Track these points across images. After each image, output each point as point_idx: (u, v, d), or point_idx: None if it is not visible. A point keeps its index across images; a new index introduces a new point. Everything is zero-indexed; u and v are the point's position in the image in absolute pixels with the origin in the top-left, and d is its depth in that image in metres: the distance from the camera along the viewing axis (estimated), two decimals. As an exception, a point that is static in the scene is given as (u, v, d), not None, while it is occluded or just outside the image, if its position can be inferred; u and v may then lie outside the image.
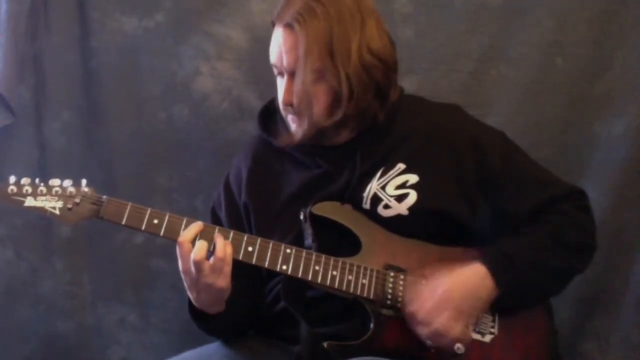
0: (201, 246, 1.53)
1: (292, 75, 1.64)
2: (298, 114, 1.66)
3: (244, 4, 2.18)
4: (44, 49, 2.19)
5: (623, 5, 2.10)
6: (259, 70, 2.16)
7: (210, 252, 1.55)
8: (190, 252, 1.53)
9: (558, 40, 2.13)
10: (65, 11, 2.18)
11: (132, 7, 2.19)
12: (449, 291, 1.58)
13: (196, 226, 1.56)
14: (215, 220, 1.81)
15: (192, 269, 1.54)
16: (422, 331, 1.58)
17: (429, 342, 1.59)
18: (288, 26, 1.62)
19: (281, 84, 1.68)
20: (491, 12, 2.14)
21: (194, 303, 1.64)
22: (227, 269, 1.56)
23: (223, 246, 1.55)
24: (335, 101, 1.63)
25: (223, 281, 1.56)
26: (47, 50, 2.19)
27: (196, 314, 1.67)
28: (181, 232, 1.56)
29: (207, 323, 1.68)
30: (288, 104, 1.66)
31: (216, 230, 1.58)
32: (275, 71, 1.69)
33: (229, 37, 2.19)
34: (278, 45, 1.64)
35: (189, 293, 1.62)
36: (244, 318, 1.78)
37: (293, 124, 1.69)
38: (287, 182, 1.75)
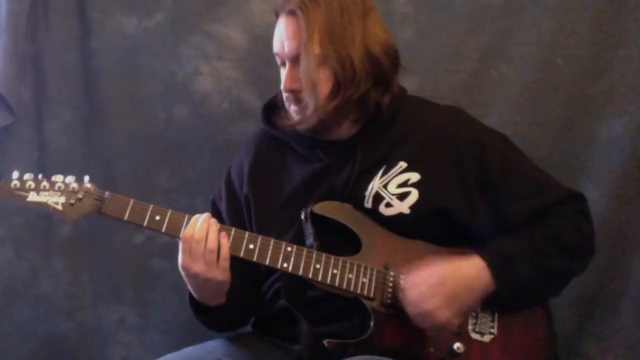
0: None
1: (293, 62, 1.66)
2: (301, 101, 1.67)
3: (244, 4, 2.18)
4: (44, 49, 2.18)
5: (623, 5, 2.10)
6: (259, 70, 2.16)
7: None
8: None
9: (558, 40, 2.13)
10: (65, 11, 2.18)
11: (132, 7, 2.19)
12: (444, 277, 1.59)
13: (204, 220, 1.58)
14: (215, 213, 1.82)
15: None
16: (411, 311, 1.59)
17: (415, 322, 1.59)
18: (291, 13, 1.65)
19: (284, 73, 1.69)
20: (491, 12, 2.15)
21: (194, 296, 1.65)
22: (224, 263, 1.57)
23: (215, 238, 1.56)
24: (337, 85, 1.65)
25: (220, 275, 1.57)
26: (47, 50, 2.19)
27: (198, 306, 1.68)
28: (182, 229, 1.58)
29: (207, 315, 1.69)
30: (290, 90, 1.68)
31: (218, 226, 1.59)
32: (279, 61, 1.71)
33: (229, 37, 2.19)
34: (280, 33, 1.68)
35: (189, 287, 1.64)
36: (243, 312, 1.80)
37: (295, 115, 1.70)
38: (288, 176, 1.76)
